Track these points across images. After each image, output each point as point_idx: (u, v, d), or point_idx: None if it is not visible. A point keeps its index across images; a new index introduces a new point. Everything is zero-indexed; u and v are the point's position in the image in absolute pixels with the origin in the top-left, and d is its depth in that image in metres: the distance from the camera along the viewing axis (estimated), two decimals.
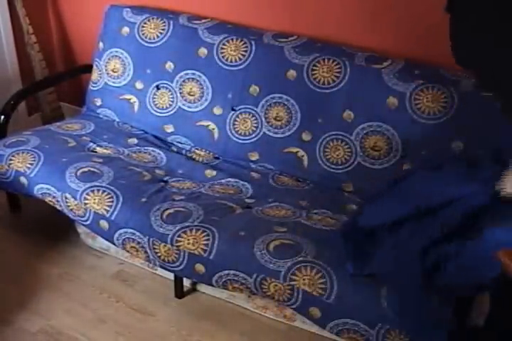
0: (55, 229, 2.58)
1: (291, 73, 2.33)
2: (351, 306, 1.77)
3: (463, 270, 1.63)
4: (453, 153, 2.10)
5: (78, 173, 2.20)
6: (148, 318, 2.20)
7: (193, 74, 2.50)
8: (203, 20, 2.54)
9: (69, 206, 2.18)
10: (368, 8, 2.30)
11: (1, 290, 2.27)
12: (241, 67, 2.42)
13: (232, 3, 2.58)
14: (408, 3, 2.21)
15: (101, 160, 2.31)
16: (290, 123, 2.35)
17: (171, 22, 2.55)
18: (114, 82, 2.67)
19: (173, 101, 2.56)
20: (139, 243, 2.05)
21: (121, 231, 2.07)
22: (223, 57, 2.44)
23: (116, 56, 2.65)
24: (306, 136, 2.34)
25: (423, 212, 1.76)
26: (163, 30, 2.55)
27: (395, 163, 2.20)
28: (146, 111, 2.61)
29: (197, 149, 2.53)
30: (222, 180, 2.33)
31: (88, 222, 2.15)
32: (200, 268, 1.96)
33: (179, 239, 1.98)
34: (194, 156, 2.51)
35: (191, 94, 2.52)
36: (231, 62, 2.43)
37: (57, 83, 3.05)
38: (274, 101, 2.37)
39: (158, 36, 2.56)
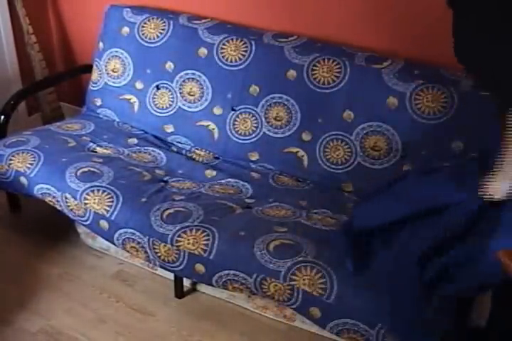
0: (55, 229, 2.57)
1: (291, 73, 2.33)
2: (351, 306, 1.77)
3: (472, 278, 1.61)
4: (453, 153, 2.10)
5: (78, 173, 2.20)
6: (149, 318, 2.20)
7: (193, 74, 2.50)
8: (203, 20, 2.54)
9: (69, 206, 2.18)
10: (368, 8, 2.30)
11: (1, 290, 2.27)
12: (241, 67, 2.42)
13: (232, 3, 2.58)
14: (408, 3, 2.21)
15: (101, 160, 2.31)
16: (290, 123, 2.35)
17: (171, 22, 2.55)
18: (114, 82, 2.66)
19: (173, 101, 2.56)
20: (139, 243, 2.05)
21: (121, 231, 2.07)
22: (223, 57, 2.44)
23: (116, 56, 2.65)
24: (306, 136, 2.34)
25: (420, 215, 1.74)
26: (163, 30, 2.55)
27: (395, 163, 2.20)
28: (146, 111, 2.61)
29: (197, 149, 2.53)
30: (222, 180, 2.32)
31: (88, 222, 2.15)
32: (200, 268, 1.96)
33: (179, 239, 1.98)
34: (194, 156, 2.51)
35: (191, 94, 2.52)
36: (231, 62, 2.43)
37: (57, 83, 3.05)
38: (274, 101, 2.37)
39: (158, 36, 2.56)
